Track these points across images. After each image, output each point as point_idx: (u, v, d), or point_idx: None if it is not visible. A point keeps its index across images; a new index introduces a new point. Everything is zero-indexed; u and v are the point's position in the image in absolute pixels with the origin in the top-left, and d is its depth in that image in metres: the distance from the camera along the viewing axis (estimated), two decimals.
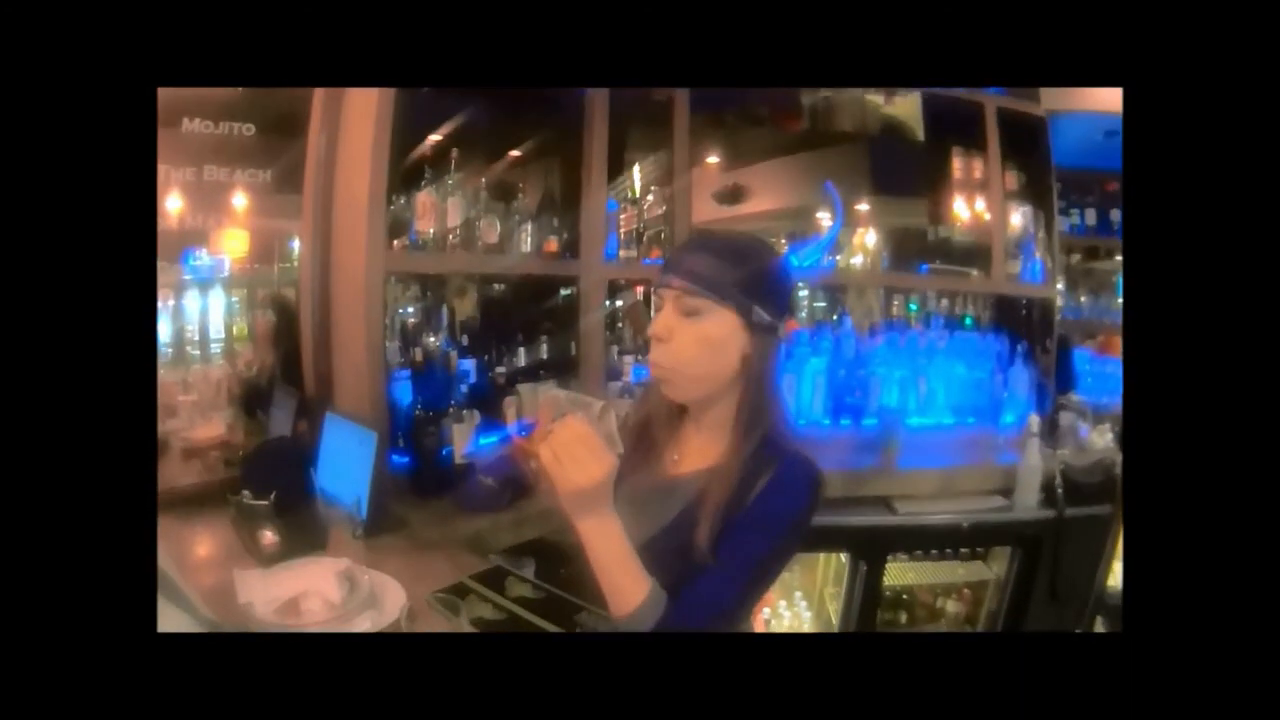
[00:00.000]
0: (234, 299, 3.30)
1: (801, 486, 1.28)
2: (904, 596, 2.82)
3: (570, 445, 1.13)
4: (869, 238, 3.21)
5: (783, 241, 3.11)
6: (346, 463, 1.93)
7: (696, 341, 1.26)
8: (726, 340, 1.26)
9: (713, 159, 3.07)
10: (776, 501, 1.25)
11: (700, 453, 1.35)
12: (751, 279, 1.26)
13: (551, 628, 1.38)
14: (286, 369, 2.50)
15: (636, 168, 2.94)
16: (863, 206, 3.22)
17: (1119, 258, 3.98)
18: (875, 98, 3.31)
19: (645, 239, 2.75)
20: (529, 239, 2.46)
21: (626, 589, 1.16)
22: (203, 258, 2.89)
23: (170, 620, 1.11)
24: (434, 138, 2.51)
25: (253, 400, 2.63)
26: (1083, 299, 3.96)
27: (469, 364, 2.38)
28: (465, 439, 2.14)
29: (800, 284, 3.00)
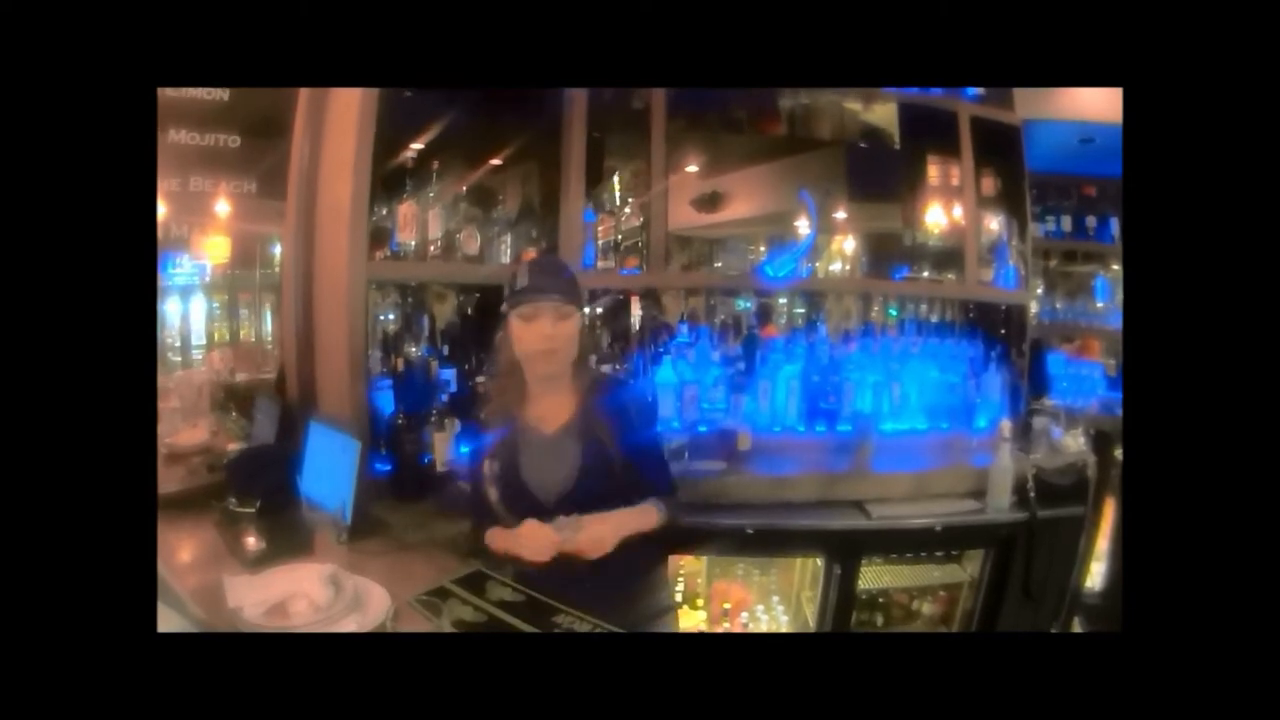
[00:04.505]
0: (215, 304, 3.30)
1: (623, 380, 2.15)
2: (880, 599, 2.85)
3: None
4: (846, 244, 3.24)
5: (762, 249, 3.15)
6: (330, 469, 1.95)
7: (571, 336, 1.73)
8: (577, 326, 1.75)
9: (691, 166, 3.07)
10: (623, 396, 1.82)
11: (559, 409, 1.78)
12: (575, 281, 1.79)
13: (530, 629, 1.41)
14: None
15: (615, 177, 2.96)
16: (839, 214, 3.24)
17: (1095, 262, 4.04)
18: (853, 104, 3.34)
19: (622, 249, 2.78)
20: (508, 248, 2.49)
21: (642, 526, 1.65)
22: (184, 264, 2.90)
23: (163, 619, 1.13)
24: (416, 145, 2.52)
25: (235, 406, 2.64)
26: (1058, 303, 4.00)
27: (449, 372, 2.40)
28: (446, 446, 2.17)
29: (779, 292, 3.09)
